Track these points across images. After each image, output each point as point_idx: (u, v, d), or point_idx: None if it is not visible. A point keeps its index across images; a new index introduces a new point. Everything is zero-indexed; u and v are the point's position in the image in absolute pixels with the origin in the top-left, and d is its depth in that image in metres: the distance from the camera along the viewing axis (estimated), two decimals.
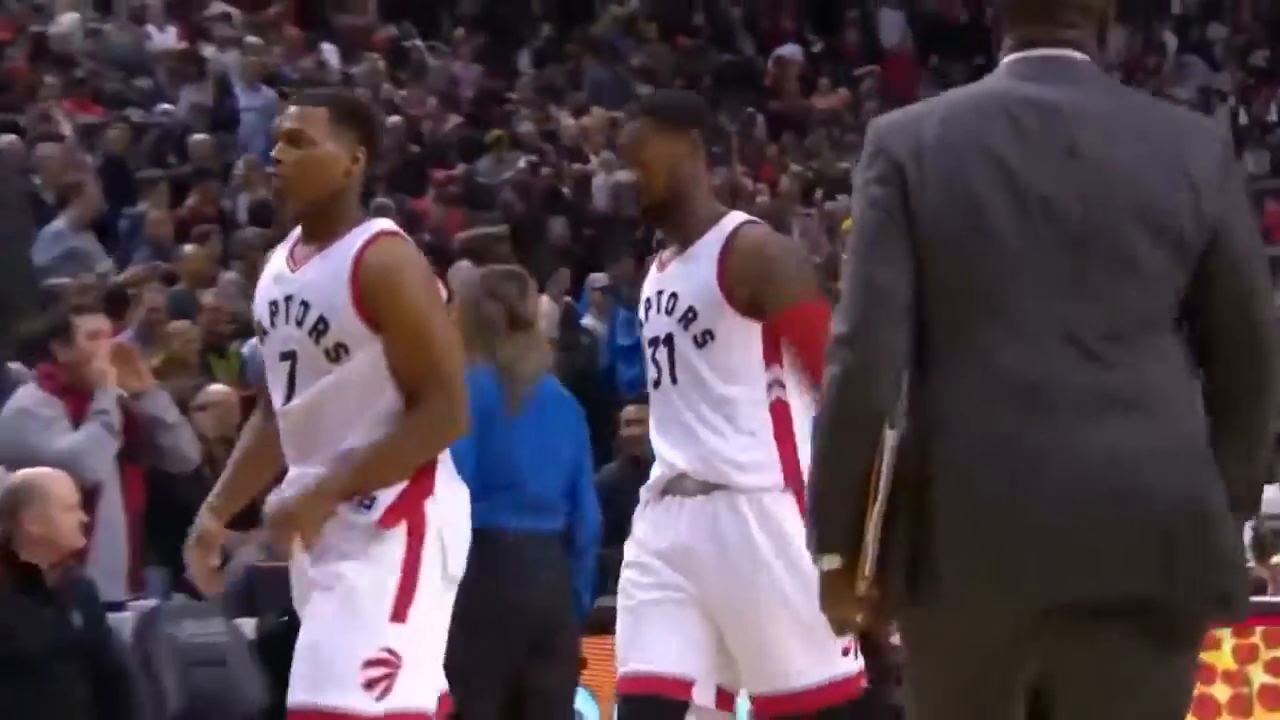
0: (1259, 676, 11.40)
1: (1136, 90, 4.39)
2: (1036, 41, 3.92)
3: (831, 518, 3.83)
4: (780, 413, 5.51)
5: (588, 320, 15.16)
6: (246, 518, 9.07)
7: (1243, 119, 27.36)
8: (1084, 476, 3.73)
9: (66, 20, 18.42)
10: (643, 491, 5.76)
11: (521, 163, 18.85)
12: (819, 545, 3.85)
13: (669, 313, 5.58)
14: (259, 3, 21.93)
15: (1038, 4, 3.93)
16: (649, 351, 5.65)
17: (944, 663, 3.89)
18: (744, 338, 5.50)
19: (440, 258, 14.30)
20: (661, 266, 5.72)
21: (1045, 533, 3.73)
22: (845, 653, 5.50)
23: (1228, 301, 3.84)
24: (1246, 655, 11.41)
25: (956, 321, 3.81)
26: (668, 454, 5.63)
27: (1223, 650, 11.33)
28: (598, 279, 15.58)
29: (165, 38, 19.24)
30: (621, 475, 10.97)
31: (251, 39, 19.81)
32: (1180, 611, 3.79)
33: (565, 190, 18.76)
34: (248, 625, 8.24)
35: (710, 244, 5.54)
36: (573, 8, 25.75)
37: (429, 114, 20.08)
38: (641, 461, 10.62)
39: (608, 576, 10.86)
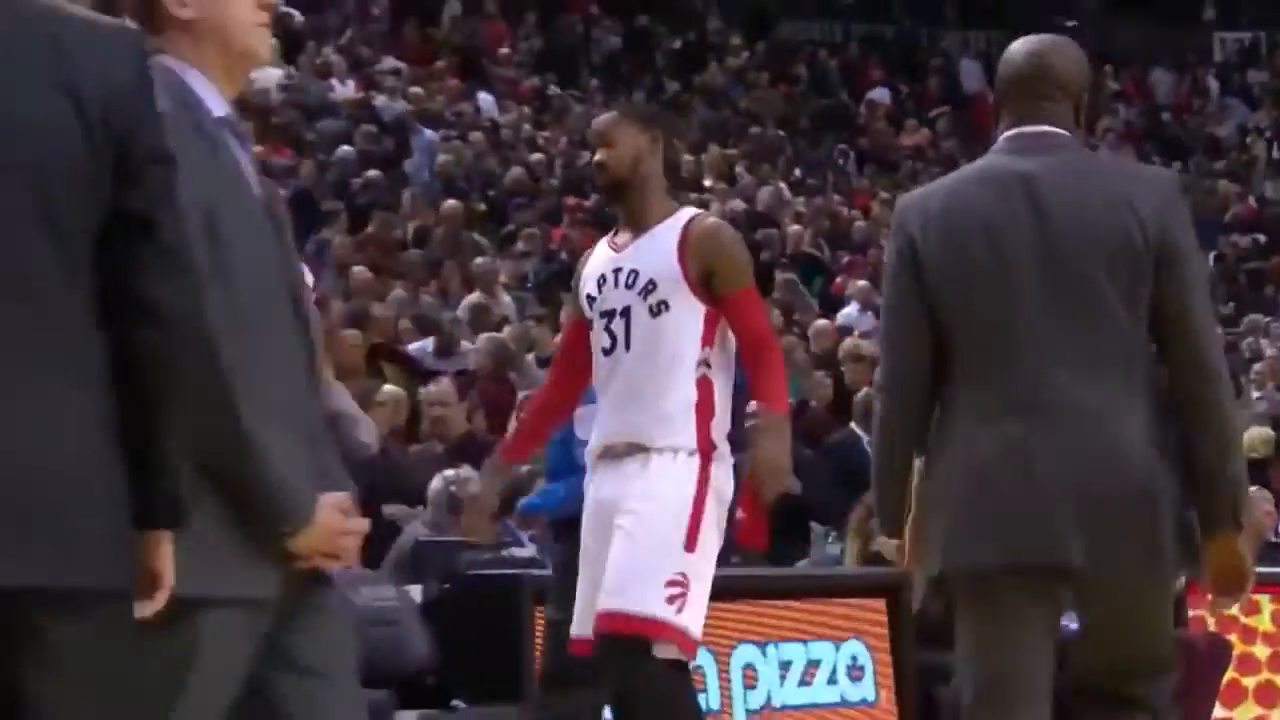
0: None
1: (1098, 155, 5.02)
2: (1023, 120, 4.33)
3: (885, 511, 4.43)
4: (705, 387, 5.43)
5: None
6: (417, 496, 9.16)
7: (1275, 152, 27.06)
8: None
9: (264, 76, 18.62)
10: (586, 456, 5.71)
11: None
12: (881, 530, 4.54)
13: (629, 286, 5.50)
14: (424, 58, 22.10)
15: (1024, 91, 4.33)
16: (603, 323, 5.55)
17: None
18: (691, 314, 5.42)
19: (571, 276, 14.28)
20: (617, 248, 5.63)
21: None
22: (669, 601, 5.21)
23: (1172, 321, 4.19)
24: None
25: (965, 357, 4.25)
26: (609, 419, 5.56)
27: (1263, 614, 11.23)
28: None
29: (345, 89, 19.43)
30: None
31: (417, 89, 19.97)
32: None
33: None
34: (414, 591, 8.26)
35: (669, 228, 5.50)
36: (689, 60, 25.78)
37: (564, 151, 20.14)
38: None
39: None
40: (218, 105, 3.33)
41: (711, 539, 5.36)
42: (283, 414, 3.25)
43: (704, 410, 5.43)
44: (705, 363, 5.44)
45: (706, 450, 5.41)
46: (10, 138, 2.67)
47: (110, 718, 2.87)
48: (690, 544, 5.21)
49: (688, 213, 5.63)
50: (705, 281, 5.43)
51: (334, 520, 3.32)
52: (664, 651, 5.21)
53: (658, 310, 5.41)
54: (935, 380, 4.27)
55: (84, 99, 2.72)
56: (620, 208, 5.73)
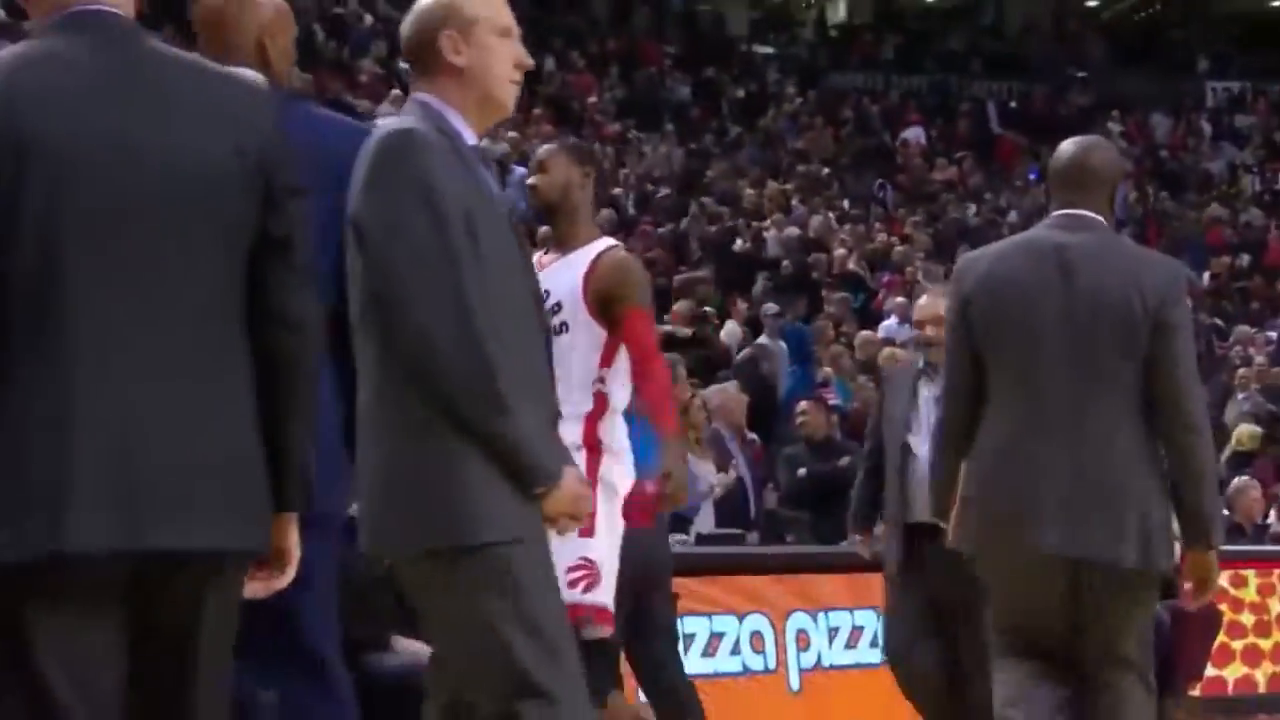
0: (1276, 606, 11.27)
1: (1121, 238, 5.24)
2: (1066, 204, 4.71)
3: (937, 500, 4.85)
4: (600, 398, 5.15)
5: (764, 339, 15.08)
6: None
7: (1257, 185, 26.84)
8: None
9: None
10: None
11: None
12: (932, 514, 5.01)
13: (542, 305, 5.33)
14: (523, 106, 22.15)
15: (1068, 182, 4.72)
16: None
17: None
18: (589, 336, 5.16)
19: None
20: (541, 268, 5.27)
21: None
22: (573, 585, 4.87)
23: (1161, 381, 4.53)
24: (1266, 591, 11.26)
25: (999, 389, 4.62)
26: None
27: (1249, 586, 11.19)
28: (770, 307, 15.50)
29: None
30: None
31: (514, 134, 19.99)
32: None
33: (741, 241, 18.71)
34: None
35: (583, 255, 5.26)
36: (750, 106, 25.76)
37: (635, 187, 20.16)
38: (812, 442, 10.85)
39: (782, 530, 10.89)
40: (470, 137, 3.44)
41: (606, 525, 5.04)
42: (531, 392, 3.32)
43: (595, 413, 5.16)
44: (601, 380, 5.18)
45: (594, 446, 5.11)
46: (202, 184, 2.75)
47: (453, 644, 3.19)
48: (587, 531, 4.83)
49: (604, 244, 5.36)
50: (603, 307, 5.18)
51: (577, 487, 3.37)
52: (592, 634, 4.98)
53: (559, 330, 5.14)
54: (979, 402, 4.66)
55: (245, 149, 2.80)
56: (552, 227, 5.54)
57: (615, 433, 5.19)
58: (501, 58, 3.47)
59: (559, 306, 5.17)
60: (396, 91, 19.31)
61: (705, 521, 9.36)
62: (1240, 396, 15.72)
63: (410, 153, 3.30)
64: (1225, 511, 11.74)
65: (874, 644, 8.94)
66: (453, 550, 3.22)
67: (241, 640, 3.31)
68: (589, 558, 4.97)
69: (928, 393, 6.44)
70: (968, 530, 4.68)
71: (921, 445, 6.29)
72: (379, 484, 3.33)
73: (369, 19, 22.38)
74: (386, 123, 3.42)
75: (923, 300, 6.82)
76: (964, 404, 4.68)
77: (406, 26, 3.56)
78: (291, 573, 2.94)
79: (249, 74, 3.05)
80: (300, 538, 3.26)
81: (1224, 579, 10.98)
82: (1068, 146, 4.82)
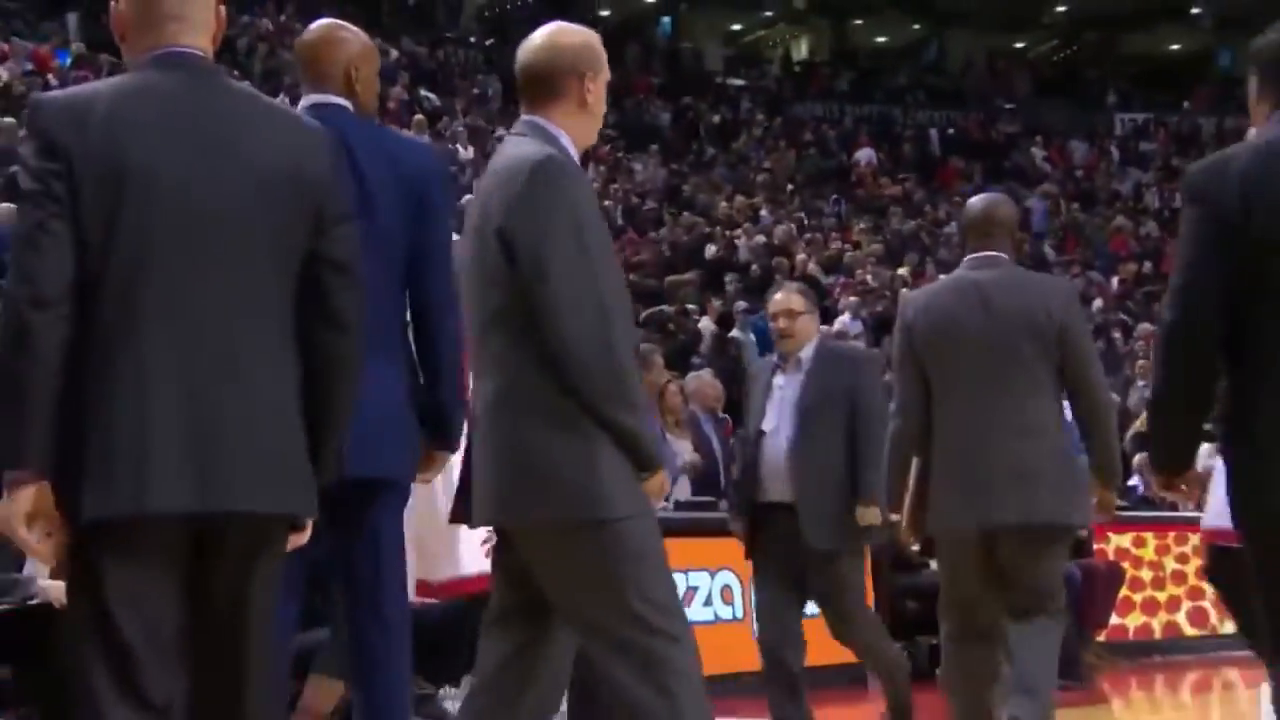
0: (1170, 564, 11.29)
1: (1029, 271, 5.53)
2: (981, 248, 5.13)
3: (893, 493, 5.15)
4: None
5: (735, 333, 15.08)
6: None
7: (1157, 202, 26.86)
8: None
9: None
10: None
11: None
12: (887, 507, 5.26)
13: None
14: None
15: (981, 231, 5.14)
16: None
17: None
18: None
19: (639, 292, 14.33)
20: None
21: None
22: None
23: (1073, 372, 4.95)
24: (1162, 551, 11.28)
25: (939, 399, 5.02)
26: None
27: (1147, 547, 11.22)
28: (740, 305, 15.50)
29: (467, 153, 19.44)
30: None
31: None
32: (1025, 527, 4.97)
33: (715, 247, 18.71)
34: None
35: None
36: (724, 131, 25.74)
37: (621, 200, 20.15)
38: None
39: None
40: (575, 155, 3.42)
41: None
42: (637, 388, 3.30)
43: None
44: None
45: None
46: (264, 204, 2.80)
47: (580, 604, 3.22)
48: None
49: None
50: None
51: (662, 475, 3.37)
52: None
53: None
54: (927, 412, 5.03)
55: (302, 176, 2.85)
56: None
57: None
58: (603, 104, 3.49)
59: None
60: (419, 117, 19.31)
61: (682, 490, 9.36)
62: (1140, 384, 15.78)
63: (562, 179, 3.26)
64: (1136, 483, 11.78)
65: None
66: (586, 523, 3.19)
67: (308, 587, 3.33)
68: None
69: (781, 381, 6.13)
70: (930, 514, 5.04)
71: (777, 432, 6.03)
72: (511, 463, 3.25)
73: (394, 53, 22.37)
74: (526, 148, 3.35)
75: (777, 295, 6.38)
76: (913, 406, 5.05)
77: (538, 54, 3.46)
78: (309, 533, 2.96)
79: (313, 122, 3.06)
80: (372, 500, 3.52)
81: (1126, 541, 11.04)
82: (976, 202, 5.26)
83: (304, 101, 3.83)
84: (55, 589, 4.92)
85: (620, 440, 3.20)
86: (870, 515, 5.85)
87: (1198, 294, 3.12)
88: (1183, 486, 3.36)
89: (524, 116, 3.47)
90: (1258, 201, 3.08)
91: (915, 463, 5.10)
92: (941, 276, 5.58)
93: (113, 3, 2.95)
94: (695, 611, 8.36)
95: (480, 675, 3.41)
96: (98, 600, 2.68)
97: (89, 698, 2.68)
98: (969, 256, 5.16)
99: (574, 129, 3.43)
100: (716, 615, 8.58)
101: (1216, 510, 4.85)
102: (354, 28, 3.94)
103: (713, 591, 8.58)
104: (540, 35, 3.48)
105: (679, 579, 8.18)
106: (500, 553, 3.43)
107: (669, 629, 3.21)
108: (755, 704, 6.40)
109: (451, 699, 7.38)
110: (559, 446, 3.19)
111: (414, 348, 3.76)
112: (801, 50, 34.64)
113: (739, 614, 8.60)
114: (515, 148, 3.39)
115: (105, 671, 2.67)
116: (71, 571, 2.73)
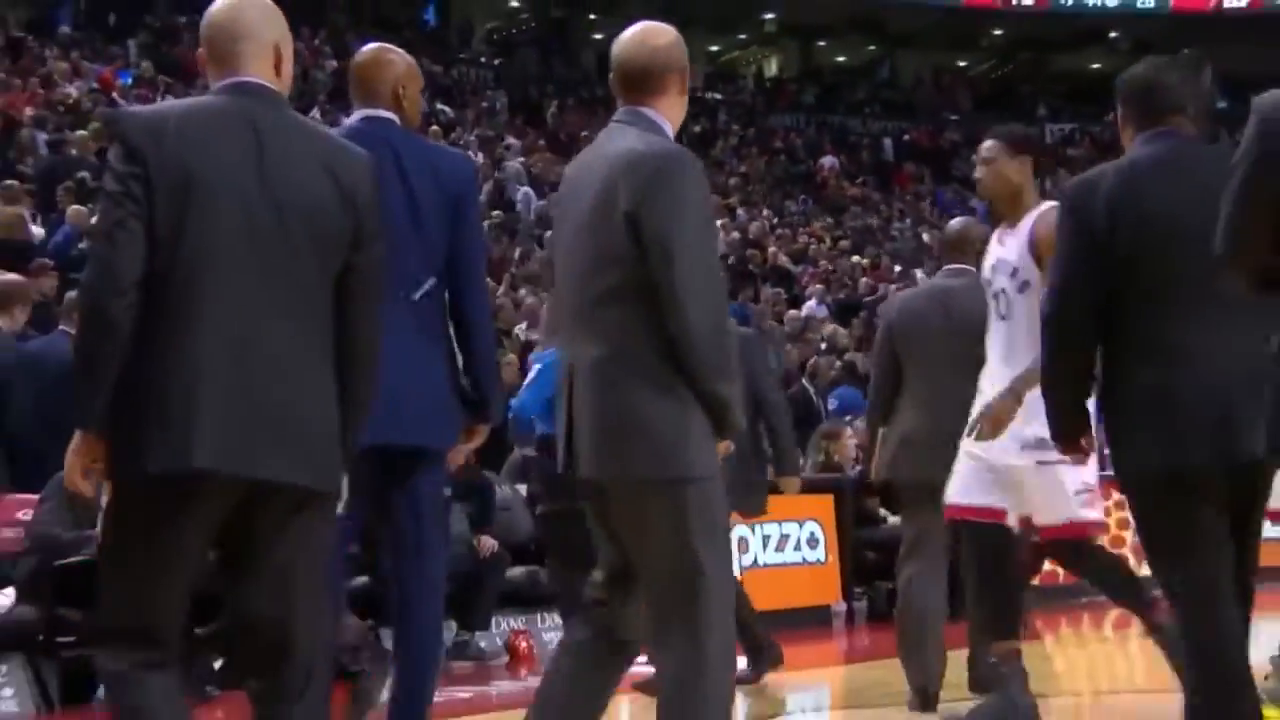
0: None
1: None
2: (955, 261, 5.46)
3: (871, 443, 5.62)
4: None
5: None
6: None
7: None
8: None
9: None
10: None
11: None
12: (864, 462, 5.76)
13: None
14: (527, 138, 22.02)
15: (955, 249, 5.49)
16: None
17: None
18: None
19: None
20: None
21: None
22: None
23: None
24: None
25: (907, 380, 5.42)
26: None
27: None
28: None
29: (477, 159, 19.33)
30: None
31: (522, 159, 19.88)
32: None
33: None
34: (521, 489, 8.21)
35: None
36: (703, 139, 25.67)
37: None
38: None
39: None
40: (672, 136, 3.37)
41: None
42: None
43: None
44: None
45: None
46: (311, 216, 2.87)
47: (655, 551, 3.15)
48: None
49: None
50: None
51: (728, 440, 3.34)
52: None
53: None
54: (895, 387, 5.44)
55: (344, 195, 2.92)
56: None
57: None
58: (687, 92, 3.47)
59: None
60: (435, 128, 19.21)
61: None
62: None
63: (691, 172, 3.21)
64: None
65: (796, 548, 8.98)
66: (673, 481, 3.14)
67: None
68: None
69: None
70: (888, 466, 5.47)
71: None
72: (609, 425, 3.17)
73: None
74: (646, 139, 3.26)
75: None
76: (885, 393, 5.50)
77: (639, 52, 3.36)
78: (342, 502, 3.02)
79: (358, 149, 3.08)
80: (418, 466, 3.63)
81: None
82: (955, 224, 5.72)
83: (356, 114, 3.88)
84: None
85: (713, 407, 3.15)
86: (792, 485, 6.56)
87: (1070, 294, 3.33)
88: (1082, 444, 3.46)
89: (626, 106, 3.37)
90: (1121, 220, 3.30)
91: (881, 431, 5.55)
92: (897, 268, 5.91)
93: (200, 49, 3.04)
94: (788, 555, 8.98)
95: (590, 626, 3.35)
96: (129, 535, 2.78)
97: (108, 610, 2.84)
98: (945, 267, 5.57)
99: (673, 117, 3.37)
100: (804, 559, 9.03)
101: (955, 489, 4.73)
102: (400, 50, 3.96)
103: (800, 538, 9.05)
104: (637, 36, 3.38)
105: (773, 529, 8.84)
106: (599, 518, 3.33)
107: (712, 572, 3.17)
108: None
109: (485, 640, 7.37)
110: (659, 411, 3.13)
111: (454, 338, 3.78)
112: (772, 68, 34.55)
113: (822, 558, 9.09)
114: (627, 138, 3.28)
115: (122, 597, 2.80)
116: (113, 514, 2.83)
